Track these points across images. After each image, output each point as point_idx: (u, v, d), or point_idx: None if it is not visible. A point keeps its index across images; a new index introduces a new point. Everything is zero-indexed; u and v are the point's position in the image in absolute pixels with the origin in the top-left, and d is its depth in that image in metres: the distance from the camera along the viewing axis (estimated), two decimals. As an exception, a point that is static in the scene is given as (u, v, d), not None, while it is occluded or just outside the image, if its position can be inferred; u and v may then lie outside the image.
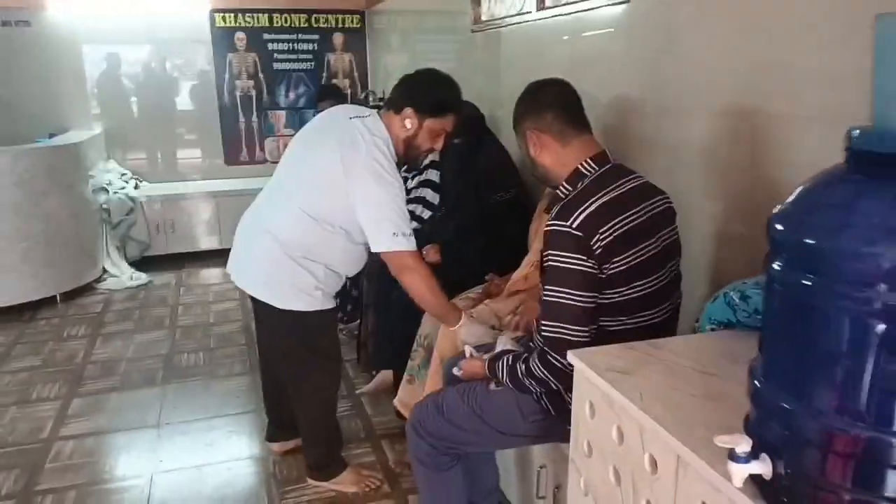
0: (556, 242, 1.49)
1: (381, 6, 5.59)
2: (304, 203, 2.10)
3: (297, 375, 2.34)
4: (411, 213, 3.21)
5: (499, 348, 1.96)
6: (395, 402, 2.63)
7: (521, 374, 1.59)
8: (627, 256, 1.51)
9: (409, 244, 2.07)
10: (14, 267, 4.20)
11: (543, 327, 1.51)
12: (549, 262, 1.50)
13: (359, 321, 3.40)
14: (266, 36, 5.80)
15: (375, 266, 3.07)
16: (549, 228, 1.51)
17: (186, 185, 5.62)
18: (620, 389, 1.20)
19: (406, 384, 2.60)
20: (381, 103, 5.13)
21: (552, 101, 1.66)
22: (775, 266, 0.82)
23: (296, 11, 5.81)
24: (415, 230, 3.17)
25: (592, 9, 2.46)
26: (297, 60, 5.91)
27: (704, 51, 1.90)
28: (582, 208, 1.49)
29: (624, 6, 2.26)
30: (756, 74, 1.70)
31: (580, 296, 1.48)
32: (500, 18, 3.27)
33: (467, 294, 2.58)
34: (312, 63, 5.94)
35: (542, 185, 1.91)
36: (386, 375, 3.01)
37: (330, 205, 2.09)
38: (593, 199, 1.51)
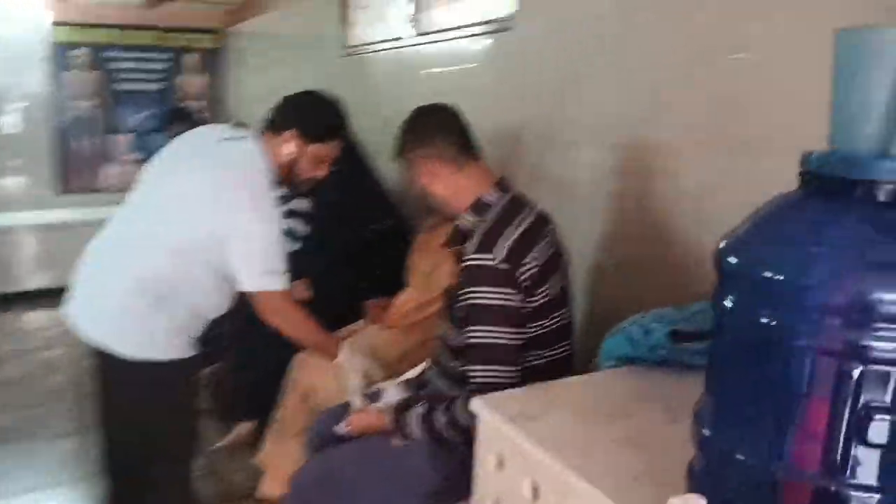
0: (479, 278, 1.38)
1: (244, 26, 5.29)
2: (166, 237, 1.81)
3: (145, 446, 2.00)
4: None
5: (392, 398, 1.80)
6: (258, 459, 2.37)
7: (442, 425, 1.44)
8: (547, 287, 1.44)
9: (281, 284, 1.84)
10: None
11: (473, 373, 1.39)
12: (473, 301, 1.39)
13: (220, 364, 3.07)
14: (110, 53, 5.31)
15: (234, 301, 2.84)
16: (470, 263, 1.40)
17: (9, 217, 4.92)
18: (533, 438, 1.08)
19: (272, 436, 2.35)
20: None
21: (441, 127, 1.56)
22: (726, 303, 0.74)
23: (145, 28, 5.38)
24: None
25: (471, 35, 2.41)
26: (145, 81, 5.46)
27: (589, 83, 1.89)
28: (503, 239, 1.41)
29: (503, 34, 2.22)
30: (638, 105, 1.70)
31: (509, 333, 1.38)
32: (374, 43, 3.16)
33: (348, 328, 2.39)
34: (163, 84, 5.51)
35: (436, 216, 1.74)
36: (244, 427, 2.73)
37: (196, 238, 1.81)
38: (511, 228, 1.44)
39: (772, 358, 0.70)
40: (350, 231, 2.65)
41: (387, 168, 2.82)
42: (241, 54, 5.50)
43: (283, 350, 2.48)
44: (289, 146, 1.85)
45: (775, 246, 0.70)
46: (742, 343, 0.73)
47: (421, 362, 2.01)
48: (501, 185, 1.54)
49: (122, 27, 5.29)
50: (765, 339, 0.70)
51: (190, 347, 1.92)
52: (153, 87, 5.49)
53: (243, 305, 2.69)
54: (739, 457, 0.73)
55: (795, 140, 0.77)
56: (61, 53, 5.14)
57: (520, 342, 1.39)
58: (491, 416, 1.18)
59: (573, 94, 1.96)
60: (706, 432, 0.78)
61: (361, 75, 3.38)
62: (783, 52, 1.40)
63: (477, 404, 1.21)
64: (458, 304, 1.43)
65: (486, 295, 1.36)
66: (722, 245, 0.75)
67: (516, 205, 1.51)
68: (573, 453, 1.03)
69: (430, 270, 2.26)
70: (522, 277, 1.39)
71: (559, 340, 1.49)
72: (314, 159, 1.89)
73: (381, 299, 2.43)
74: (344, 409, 1.82)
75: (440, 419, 1.44)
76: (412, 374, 1.99)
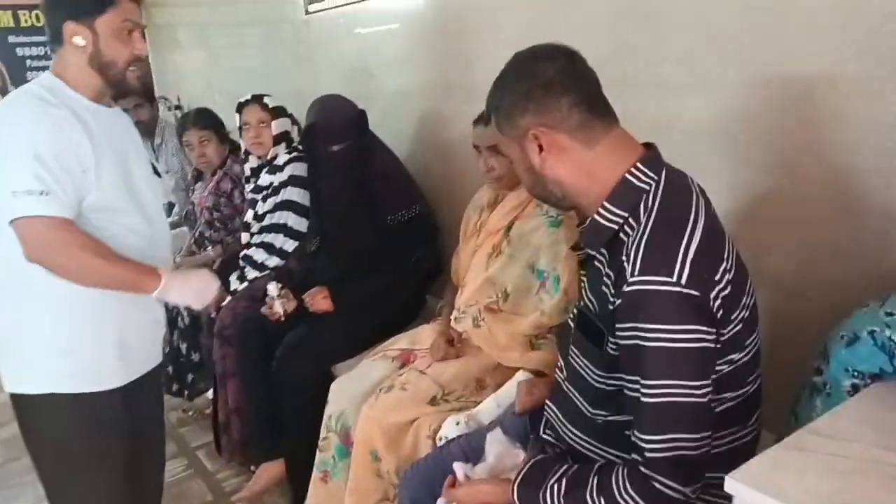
0: (657, 310, 0.96)
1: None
2: None
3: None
4: (269, 245, 2.52)
5: (451, 434, 1.43)
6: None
7: None
8: (741, 308, 1.04)
9: (47, 207, 1.37)
10: None
11: (648, 444, 0.98)
12: (645, 343, 0.97)
13: (213, 398, 2.58)
14: (13, 39, 4.56)
15: (233, 321, 2.37)
16: (638, 289, 0.97)
17: None
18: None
19: (318, 484, 1.93)
20: (178, 111, 4.28)
21: (567, 82, 1.07)
22: None
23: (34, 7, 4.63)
24: (278, 268, 2.53)
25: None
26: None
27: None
28: (682, 249, 0.98)
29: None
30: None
31: (700, 387, 0.97)
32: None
33: (392, 346, 1.99)
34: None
35: (560, 210, 1.28)
36: (271, 470, 2.28)
37: None
38: (687, 230, 1.00)
39: None
40: (370, 222, 2.22)
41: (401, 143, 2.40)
42: (163, 29, 4.83)
43: (310, 377, 2.08)
44: (76, 40, 1.45)
45: None
46: None
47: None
48: (653, 158, 1.10)
49: (16, 7, 4.54)
50: None
51: (89, 376, 1.51)
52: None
53: (246, 324, 2.28)
54: None
55: None
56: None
57: (709, 396, 1.00)
58: (757, 499, 0.82)
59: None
60: None
61: (327, 39, 2.93)
62: None
63: (734, 484, 0.84)
64: (611, 342, 1.04)
65: (668, 335, 0.96)
66: None
67: (679, 189, 1.08)
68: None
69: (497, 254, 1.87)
70: (716, 304, 0.99)
71: (752, 372, 1.10)
72: (113, 36, 1.47)
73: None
74: (436, 465, 1.44)
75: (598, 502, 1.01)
76: (504, 395, 1.62)
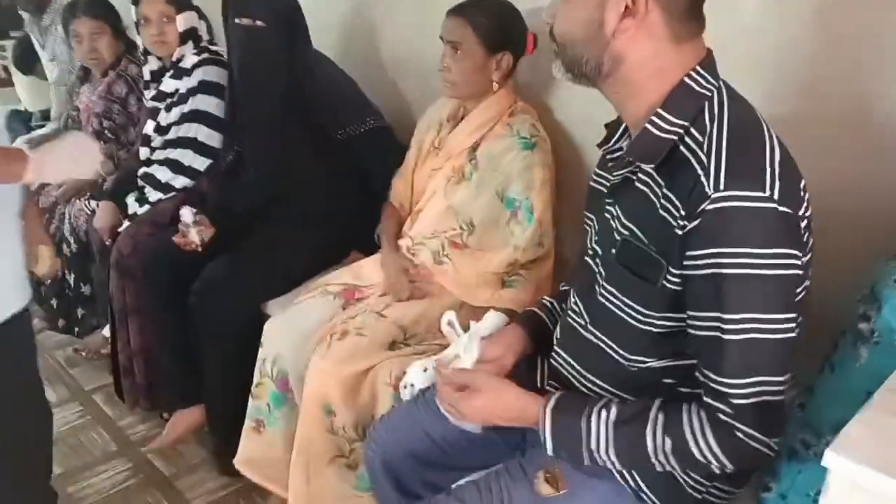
0: (747, 231, 0.81)
1: None
2: None
3: None
4: (174, 162, 2.17)
5: (418, 382, 1.27)
6: (238, 462, 1.73)
7: (666, 453, 0.89)
8: (811, 233, 0.91)
9: None
10: None
11: (733, 388, 0.84)
12: (732, 270, 0.82)
13: (110, 336, 2.25)
14: None
15: (134, 251, 2.04)
16: (727, 206, 0.81)
17: None
18: None
19: (251, 434, 1.71)
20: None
21: None
22: None
23: None
24: (187, 189, 2.15)
25: None
26: None
27: None
28: (769, 162, 0.83)
29: None
30: None
31: (789, 321, 0.84)
32: None
33: (332, 281, 1.74)
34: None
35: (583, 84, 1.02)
36: (186, 418, 2.02)
37: None
38: (769, 141, 0.86)
39: None
40: (296, 136, 1.90)
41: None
42: None
43: (224, 301, 1.81)
44: None
45: None
46: None
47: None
48: (711, 64, 0.93)
49: None
50: None
51: None
52: None
53: (156, 254, 1.93)
54: None
55: None
56: None
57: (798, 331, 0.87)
58: (864, 473, 0.70)
59: None
60: None
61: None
62: None
63: (835, 458, 0.71)
64: (674, 274, 0.88)
65: (758, 260, 0.81)
66: None
67: (739, 97, 0.93)
68: None
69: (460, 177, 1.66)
70: (803, 224, 0.86)
71: (805, 308, 0.95)
72: None
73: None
74: (410, 417, 1.25)
75: (665, 444, 0.88)
76: (484, 327, 1.44)
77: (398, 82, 2.16)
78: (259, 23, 1.78)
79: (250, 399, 1.70)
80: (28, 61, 3.11)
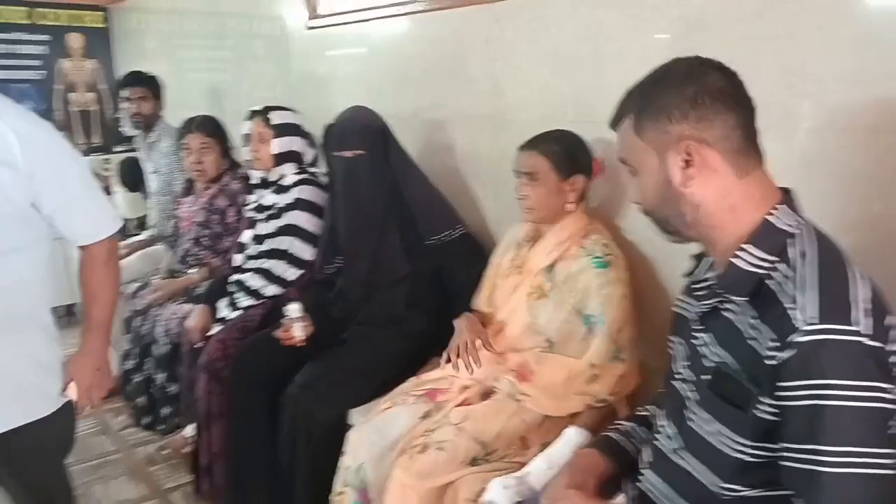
0: (841, 364, 0.85)
1: (136, 1, 4.39)
2: None
3: None
4: (266, 271, 2.32)
5: (499, 500, 1.30)
6: None
7: None
8: None
9: None
10: None
11: None
12: (830, 402, 0.84)
13: (194, 437, 2.33)
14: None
15: (223, 356, 2.16)
16: (818, 339, 0.85)
17: None
18: None
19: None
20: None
21: (737, 97, 0.97)
22: None
23: (16, 3, 4.32)
24: (276, 298, 2.28)
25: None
26: (21, 68, 4.42)
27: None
28: (855, 298, 0.88)
29: None
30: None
31: (888, 456, 0.85)
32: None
33: (418, 385, 1.82)
34: (42, 71, 4.49)
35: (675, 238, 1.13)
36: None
37: None
38: (853, 278, 0.91)
39: None
40: (392, 247, 2.04)
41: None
42: (134, 35, 4.59)
43: (317, 407, 1.89)
44: None
45: None
46: None
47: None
48: (794, 203, 1.00)
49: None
50: None
51: None
52: (30, 75, 4.45)
53: (244, 355, 2.06)
54: None
55: None
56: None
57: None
58: None
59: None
60: None
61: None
62: None
63: None
64: (766, 404, 0.91)
65: (855, 392, 0.84)
66: None
67: (825, 236, 0.98)
68: None
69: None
70: (891, 360, 0.89)
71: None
72: None
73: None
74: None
75: None
76: (565, 446, 1.46)
77: (474, 193, 2.30)
78: (358, 152, 1.97)
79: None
80: (133, 179, 3.41)
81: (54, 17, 4.51)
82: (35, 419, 1.46)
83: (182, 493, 2.39)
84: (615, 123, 1.06)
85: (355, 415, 1.88)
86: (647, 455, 1.17)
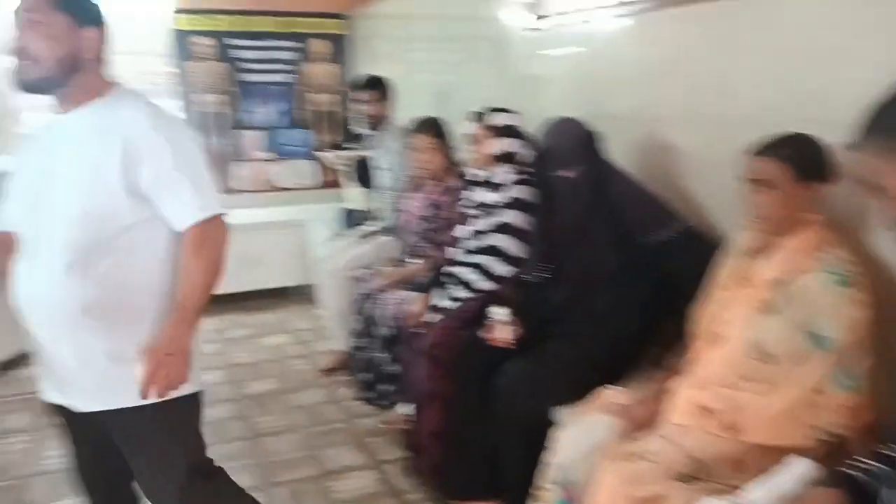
0: None
1: (377, 7, 4.75)
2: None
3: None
4: (481, 266, 2.42)
5: None
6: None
7: None
8: None
9: None
10: None
11: None
12: None
13: (412, 416, 2.53)
14: (233, 42, 4.88)
15: (446, 342, 2.29)
16: None
17: None
18: None
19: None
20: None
21: None
22: None
23: (268, 14, 4.92)
24: (490, 292, 2.37)
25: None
26: (271, 72, 5.02)
27: None
28: None
29: None
30: None
31: None
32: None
33: (616, 398, 1.81)
34: (289, 75, 5.06)
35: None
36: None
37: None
38: None
39: None
40: (603, 252, 2.04)
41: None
42: (369, 40, 4.99)
43: (526, 402, 1.95)
44: None
45: None
46: None
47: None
48: None
49: (243, 13, 4.86)
50: None
51: None
52: (280, 78, 5.05)
53: (462, 342, 2.20)
54: None
55: None
56: (185, 43, 4.75)
57: None
58: None
59: None
60: None
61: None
62: None
63: None
64: None
65: None
66: None
67: None
68: None
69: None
70: None
71: None
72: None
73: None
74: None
75: None
76: (791, 476, 1.38)
77: (693, 195, 2.22)
78: (576, 169, 2.02)
79: (532, 501, 1.79)
80: (366, 176, 3.72)
81: (301, 25, 5.05)
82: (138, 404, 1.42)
83: (397, 466, 2.59)
84: (863, 144, 0.98)
85: (561, 413, 1.92)
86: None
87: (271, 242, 4.49)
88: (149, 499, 1.65)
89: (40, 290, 1.45)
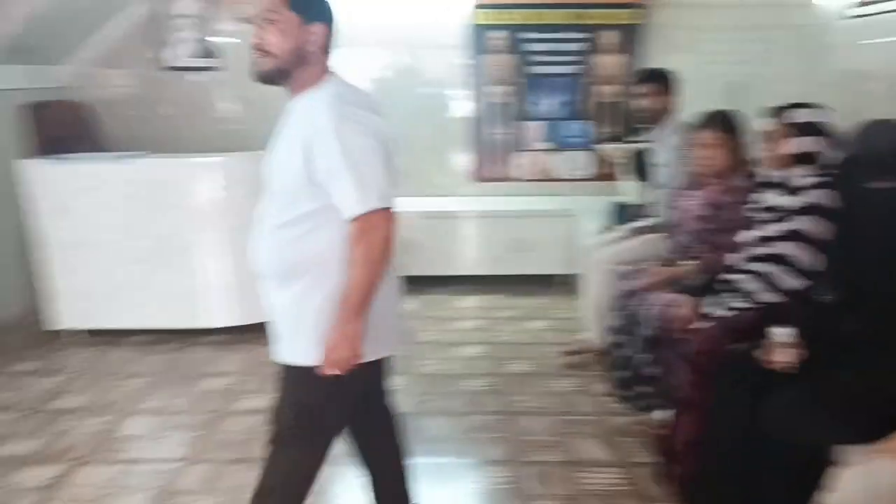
0: None
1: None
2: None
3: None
4: (763, 275, 2.23)
5: None
6: None
7: None
8: None
9: None
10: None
11: None
12: None
13: (672, 422, 2.42)
14: (525, 35, 5.04)
15: (712, 352, 2.15)
16: None
17: (430, 202, 4.88)
18: None
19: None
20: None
21: None
22: None
23: (561, 6, 4.99)
24: (771, 306, 2.19)
25: None
26: (559, 63, 5.10)
27: None
28: None
29: None
30: None
31: None
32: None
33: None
34: (577, 67, 5.09)
35: None
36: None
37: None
38: None
39: None
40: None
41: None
42: (664, 29, 4.79)
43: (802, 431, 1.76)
44: None
45: None
46: None
47: None
48: None
49: (539, 6, 4.99)
50: None
51: None
52: (567, 70, 5.11)
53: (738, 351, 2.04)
54: None
55: None
56: (480, 37, 5.04)
57: None
58: None
59: None
60: None
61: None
62: None
63: None
64: None
65: None
66: None
67: None
68: None
69: None
70: None
71: None
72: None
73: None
74: None
75: None
76: None
77: None
78: (884, 184, 1.76)
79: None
80: (643, 170, 3.62)
81: (592, 17, 5.04)
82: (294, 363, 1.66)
83: (648, 470, 2.51)
84: None
85: (845, 452, 1.70)
86: None
87: (542, 230, 4.59)
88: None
89: (256, 245, 1.69)
